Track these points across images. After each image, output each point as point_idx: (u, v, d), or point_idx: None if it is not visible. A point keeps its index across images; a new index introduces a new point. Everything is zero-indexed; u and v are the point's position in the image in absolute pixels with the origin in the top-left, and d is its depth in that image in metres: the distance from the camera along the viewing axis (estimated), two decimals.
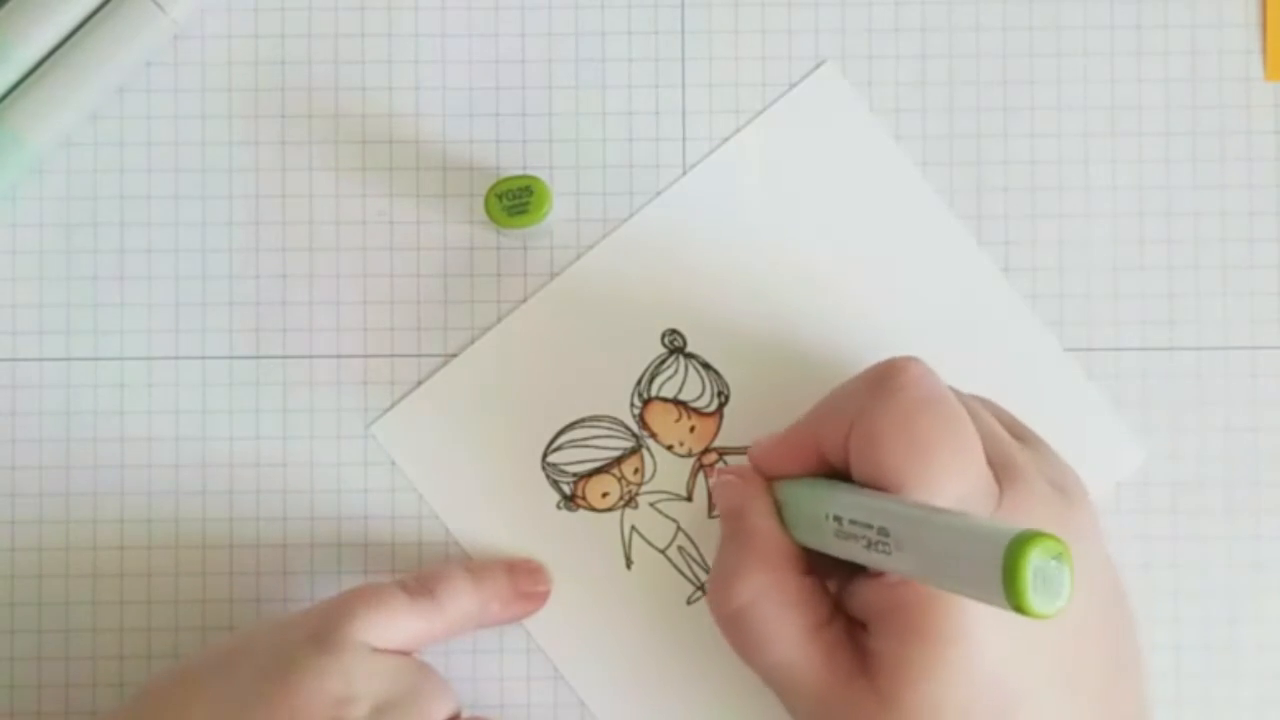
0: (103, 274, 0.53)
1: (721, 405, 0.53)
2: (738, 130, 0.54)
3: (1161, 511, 0.53)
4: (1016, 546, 0.36)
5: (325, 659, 0.45)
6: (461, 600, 0.49)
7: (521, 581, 0.52)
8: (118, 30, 0.52)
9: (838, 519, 0.44)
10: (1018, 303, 0.53)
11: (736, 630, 0.47)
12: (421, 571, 0.50)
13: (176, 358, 0.53)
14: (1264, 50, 0.54)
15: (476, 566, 0.51)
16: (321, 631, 0.46)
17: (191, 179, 0.53)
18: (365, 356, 0.53)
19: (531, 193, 0.50)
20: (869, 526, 0.42)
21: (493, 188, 0.50)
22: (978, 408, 0.48)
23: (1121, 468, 0.53)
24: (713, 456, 0.53)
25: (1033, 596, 0.35)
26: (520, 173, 0.53)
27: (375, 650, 0.47)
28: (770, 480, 0.49)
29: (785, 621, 0.46)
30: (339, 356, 0.53)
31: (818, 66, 0.54)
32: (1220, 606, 0.53)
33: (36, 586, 0.53)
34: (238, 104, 0.54)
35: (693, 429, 0.53)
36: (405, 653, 0.48)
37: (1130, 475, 0.53)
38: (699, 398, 0.53)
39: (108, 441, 0.53)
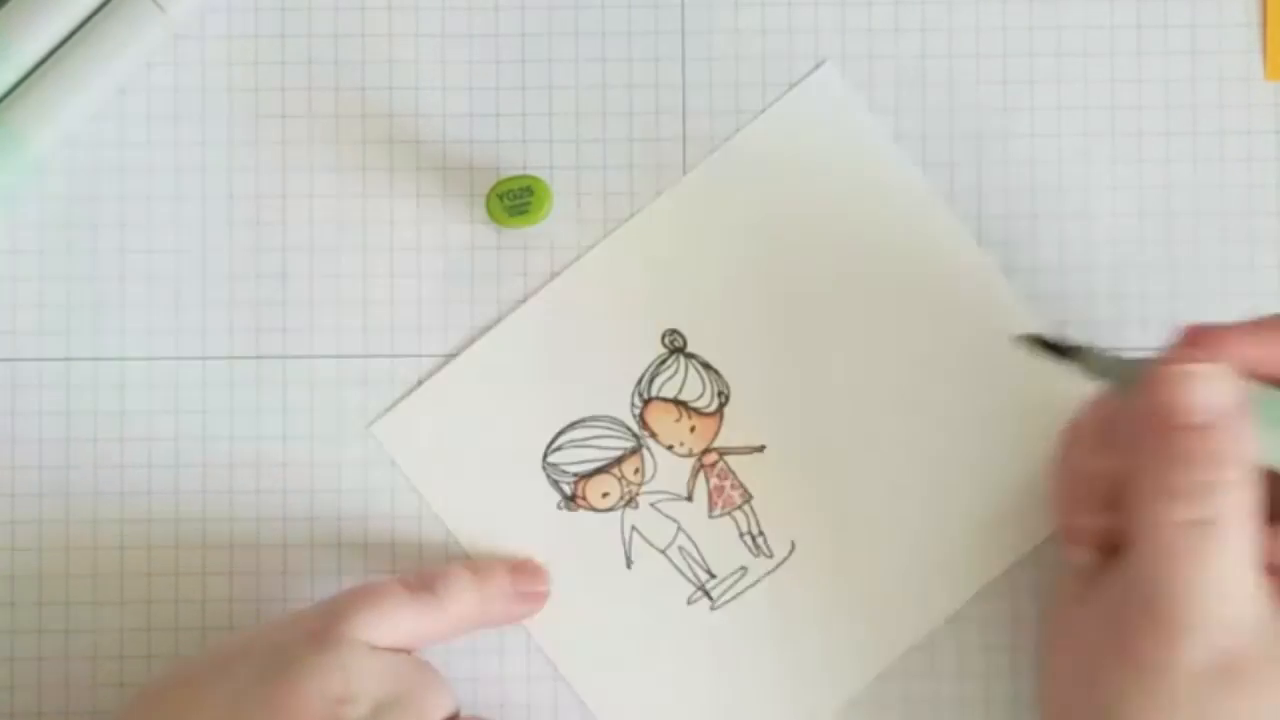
0: (103, 274, 0.53)
1: (722, 405, 0.53)
2: (738, 130, 0.54)
3: None
4: None
5: (324, 657, 0.45)
6: (463, 598, 0.49)
7: (522, 581, 0.52)
8: (118, 30, 0.52)
9: None
10: (1018, 303, 0.53)
11: (1188, 546, 0.41)
12: (423, 570, 0.50)
13: (176, 358, 0.53)
14: (1264, 50, 0.54)
15: (478, 565, 0.51)
16: (320, 630, 0.46)
17: (191, 179, 0.53)
18: (365, 356, 0.53)
19: (532, 193, 0.50)
20: None
21: (494, 188, 0.50)
22: None
23: None
24: (713, 457, 0.53)
25: None
26: (520, 173, 0.53)
27: (374, 648, 0.47)
28: None
29: (1242, 557, 0.41)
30: (339, 356, 0.53)
31: (817, 67, 0.54)
32: None
33: (36, 586, 0.52)
34: (238, 104, 0.54)
35: (693, 429, 0.53)
36: (406, 650, 0.48)
37: None
38: (699, 398, 0.53)
39: (108, 441, 0.53)
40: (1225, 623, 0.41)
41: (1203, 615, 0.41)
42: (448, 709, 0.47)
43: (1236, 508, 0.41)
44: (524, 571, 0.52)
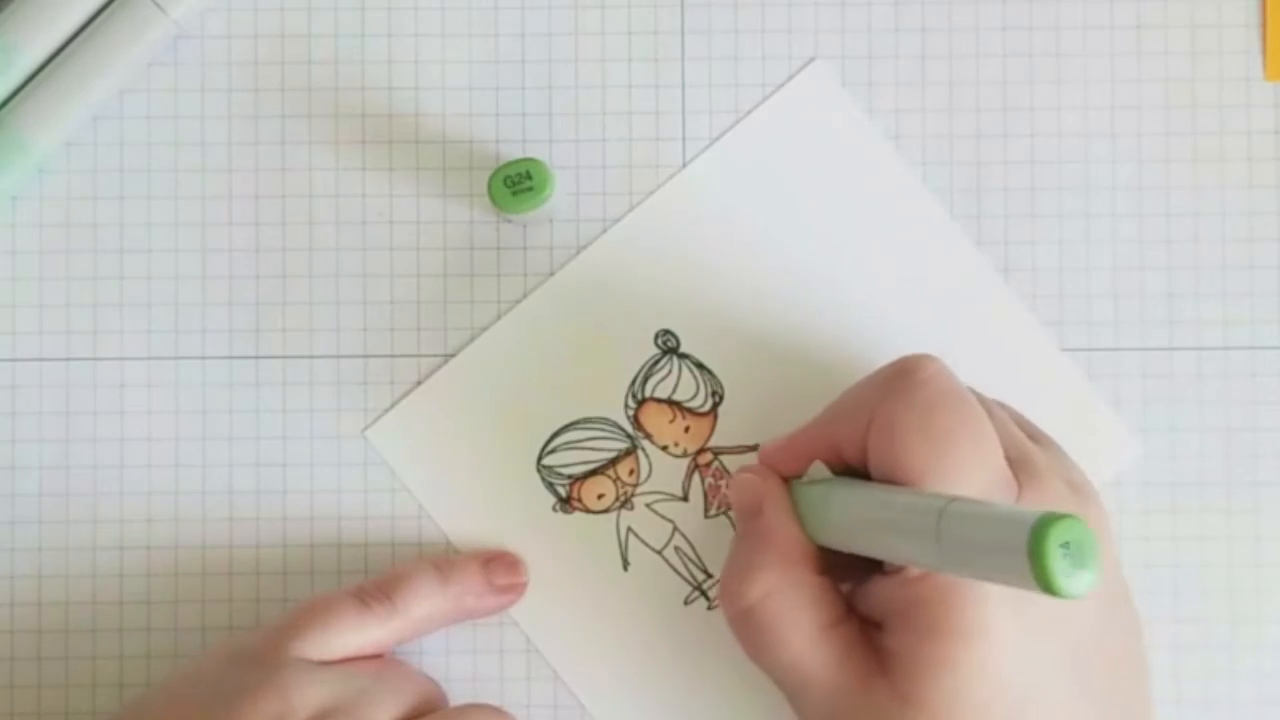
0: (103, 274, 0.53)
1: (716, 405, 0.53)
2: (726, 130, 0.54)
3: (1161, 511, 0.53)
4: (1042, 526, 0.36)
5: (264, 680, 0.46)
6: (426, 602, 0.50)
7: (497, 575, 0.52)
8: (119, 33, 0.52)
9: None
10: (1013, 300, 0.53)
11: (748, 628, 0.47)
12: (384, 575, 0.50)
13: (176, 358, 0.53)
14: (1264, 50, 0.53)
15: (447, 563, 0.51)
16: (263, 654, 0.47)
17: (191, 179, 0.54)
18: (365, 357, 0.53)
19: (531, 176, 0.50)
20: None
21: (496, 173, 0.50)
22: (994, 407, 0.48)
23: (1118, 461, 0.53)
24: (708, 456, 0.53)
25: (1060, 577, 0.35)
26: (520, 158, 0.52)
27: (319, 663, 0.47)
28: (786, 480, 0.49)
29: (798, 619, 0.46)
30: (339, 356, 0.53)
31: (805, 65, 0.54)
32: (1220, 606, 0.53)
33: (36, 586, 0.53)
34: (238, 104, 0.54)
35: (687, 429, 0.53)
36: (373, 656, 0.49)
37: (1129, 471, 0.53)
38: (693, 398, 0.53)
39: (108, 441, 0.53)
40: (806, 688, 0.46)
41: (787, 685, 0.47)
42: (398, 707, 0.47)
43: (782, 582, 0.46)
44: (499, 565, 0.52)
